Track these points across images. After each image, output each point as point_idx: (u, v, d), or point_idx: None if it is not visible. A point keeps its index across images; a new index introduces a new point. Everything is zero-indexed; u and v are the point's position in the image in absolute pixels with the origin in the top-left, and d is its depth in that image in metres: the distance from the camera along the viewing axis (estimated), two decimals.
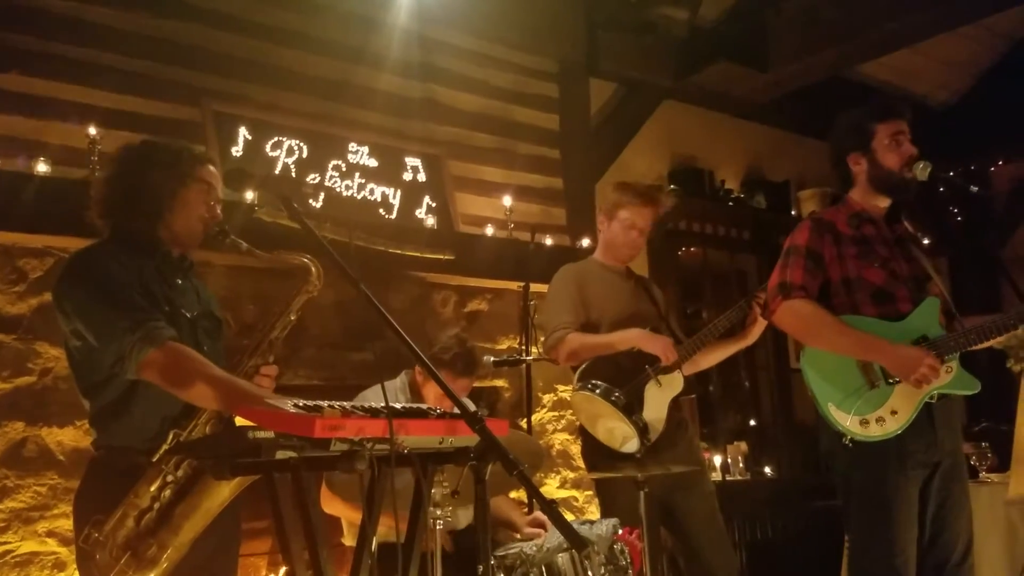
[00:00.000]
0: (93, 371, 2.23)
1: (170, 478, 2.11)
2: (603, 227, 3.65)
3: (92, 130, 3.47)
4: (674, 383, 3.40)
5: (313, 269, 2.39)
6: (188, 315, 2.35)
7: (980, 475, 4.50)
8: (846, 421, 2.80)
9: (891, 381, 2.80)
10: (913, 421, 2.77)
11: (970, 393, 2.87)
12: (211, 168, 2.46)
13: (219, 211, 2.44)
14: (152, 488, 2.10)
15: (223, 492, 2.13)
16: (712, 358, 3.67)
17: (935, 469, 2.83)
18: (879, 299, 2.87)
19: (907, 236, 3.02)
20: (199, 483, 2.11)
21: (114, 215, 2.37)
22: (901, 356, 2.74)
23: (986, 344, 2.85)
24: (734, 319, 3.45)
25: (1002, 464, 4.59)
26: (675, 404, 3.44)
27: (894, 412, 2.78)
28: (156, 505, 2.10)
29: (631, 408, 3.30)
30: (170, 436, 2.16)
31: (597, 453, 3.43)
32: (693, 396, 3.78)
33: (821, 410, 2.86)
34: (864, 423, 2.79)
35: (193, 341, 2.30)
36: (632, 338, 3.37)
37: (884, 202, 3.01)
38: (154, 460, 2.13)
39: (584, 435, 3.52)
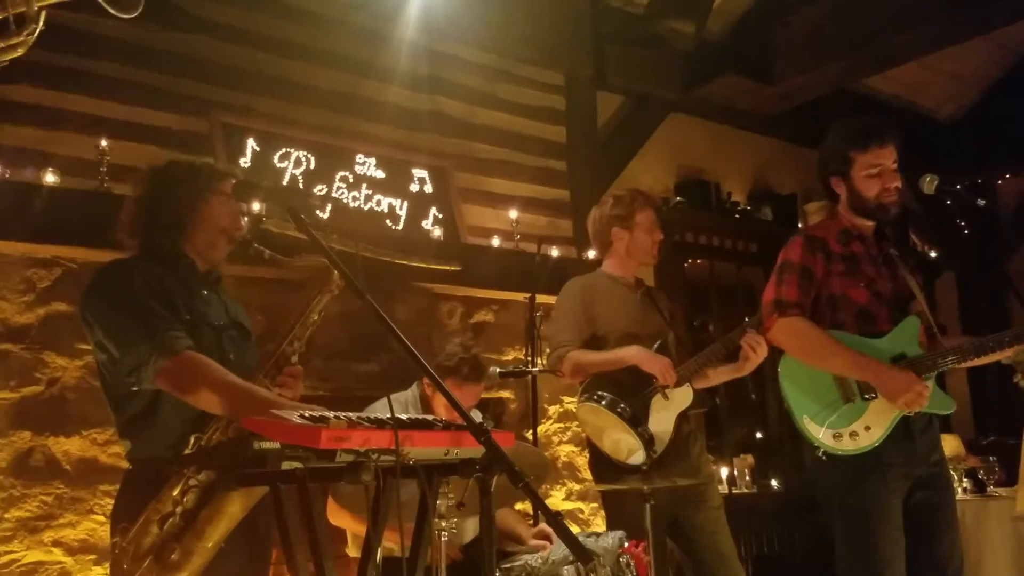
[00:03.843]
0: (119, 383, 2.24)
1: (192, 482, 2.10)
2: (620, 239, 3.59)
3: (101, 141, 3.50)
4: (682, 397, 3.39)
5: (335, 270, 2.42)
6: (215, 323, 2.38)
7: (988, 489, 4.48)
8: (819, 433, 2.82)
9: (867, 397, 2.81)
10: (890, 434, 2.79)
11: (944, 413, 2.91)
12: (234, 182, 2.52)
13: (243, 223, 2.50)
14: (174, 493, 2.09)
15: (246, 496, 2.13)
16: (716, 378, 3.61)
17: (918, 482, 2.83)
18: (861, 319, 2.90)
19: (894, 254, 3.02)
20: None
21: (140, 233, 2.42)
22: (893, 379, 2.76)
23: (993, 358, 2.85)
24: (732, 345, 3.42)
25: (1010, 479, 4.57)
26: (684, 417, 3.43)
27: (867, 428, 2.80)
28: (179, 510, 2.09)
29: (637, 420, 3.29)
30: (191, 440, 2.16)
31: (603, 465, 3.42)
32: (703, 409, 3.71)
33: (796, 422, 2.87)
34: (837, 436, 2.81)
35: (219, 349, 2.34)
36: (631, 357, 3.34)
37: (870, 221, 3.02)
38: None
39: (591, 447, 3.52)
